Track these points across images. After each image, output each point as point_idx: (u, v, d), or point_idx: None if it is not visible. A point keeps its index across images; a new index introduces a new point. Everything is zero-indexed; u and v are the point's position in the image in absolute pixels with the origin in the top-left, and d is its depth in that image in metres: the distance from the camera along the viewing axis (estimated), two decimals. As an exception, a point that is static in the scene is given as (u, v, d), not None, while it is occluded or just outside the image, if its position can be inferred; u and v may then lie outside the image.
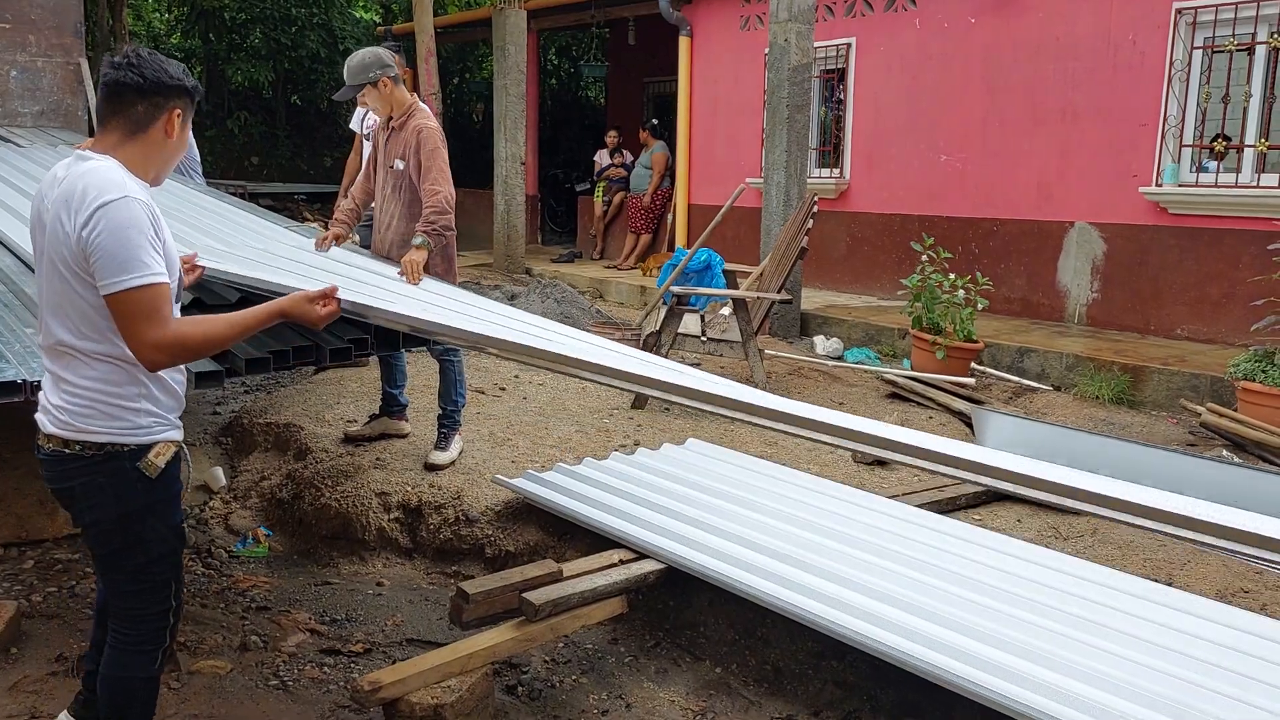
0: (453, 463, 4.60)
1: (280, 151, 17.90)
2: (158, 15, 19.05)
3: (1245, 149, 6.87)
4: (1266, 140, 6.78)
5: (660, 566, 3.54)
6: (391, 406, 4.98)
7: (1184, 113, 7.13)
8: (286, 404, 5.43)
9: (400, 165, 4.39)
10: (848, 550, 3.58)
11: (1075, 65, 7.73)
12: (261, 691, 3.15)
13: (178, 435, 2.30)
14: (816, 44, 8.63)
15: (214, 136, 17.16)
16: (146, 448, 2.21)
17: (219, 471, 4.88)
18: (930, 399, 6.21)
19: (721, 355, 6.23)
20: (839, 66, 9.71)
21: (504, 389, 6.05)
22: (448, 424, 4.65)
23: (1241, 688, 2.76)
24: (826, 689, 3.21)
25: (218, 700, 3.05)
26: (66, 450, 2.19)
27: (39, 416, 2.26)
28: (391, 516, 4.29)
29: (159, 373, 2.22)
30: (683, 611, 3.60)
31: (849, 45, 9.58)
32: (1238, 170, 6.89)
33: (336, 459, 4.67)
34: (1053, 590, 3.34)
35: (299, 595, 3.91)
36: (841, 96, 9.85)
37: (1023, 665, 2.83)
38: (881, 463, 5.14)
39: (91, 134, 8.59)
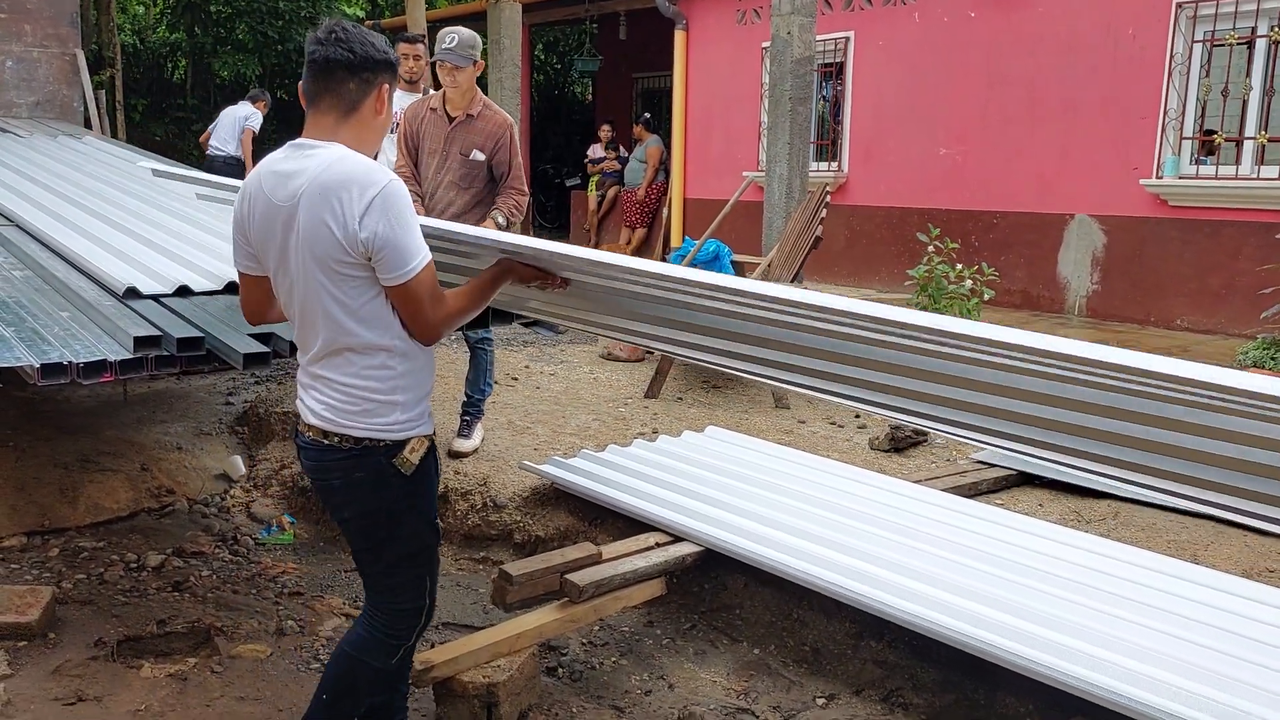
0: (476, 450, 4.60)
1: (268, 146, 17.71)
2: (143, 8, 18.88)
3: (1245, 141, 6.97)
4: (1266, 133, 6.88)
5: (697, 549, 3.56)
6: None
7: (1184, 106, 7.22)
8: (301, 393, 5.41)
9: (480, 157, 4.35)
10: (878, 532, 3.61)
11: (1076, 59, 7.81)
12: (304, 674, 3.15)
13: (429, 430, 2.29)
14: (818, 36, 8.67)
15: (200, 130, 16.98)
16: (402, 444, 2.20)
17: (238, 460, 4.86)
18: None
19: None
20: (837, 60, 9.77)
21: (516, 379, 6.05)
22: (473, 411, 4.65)
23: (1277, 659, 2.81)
24: (867, 668, 3.24)
25: (262, 683, 3.05)
26: (325, 441, 2.18)
27: (300, 408, 2.26)
28: (417, 503, 4.29)
29: (414, 368, 2.22)
30: (719, 594, 3.62)
31: (847, 39, 9.63)
32: (1238, 163, 6.99)
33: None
34: (1083, 569, 3.38)
35: (329, 581, 3.90)
36: (837, 90, 9.90)
37: (1063, 639, 2.87)
38: (899, 449, 5.19)
39: (87, 125, 8.56)
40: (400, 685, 2.55)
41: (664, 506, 3.81)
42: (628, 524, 3.83)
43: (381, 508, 2.24)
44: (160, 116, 17.01)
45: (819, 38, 9.17)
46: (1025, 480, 4.65)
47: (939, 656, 3.11)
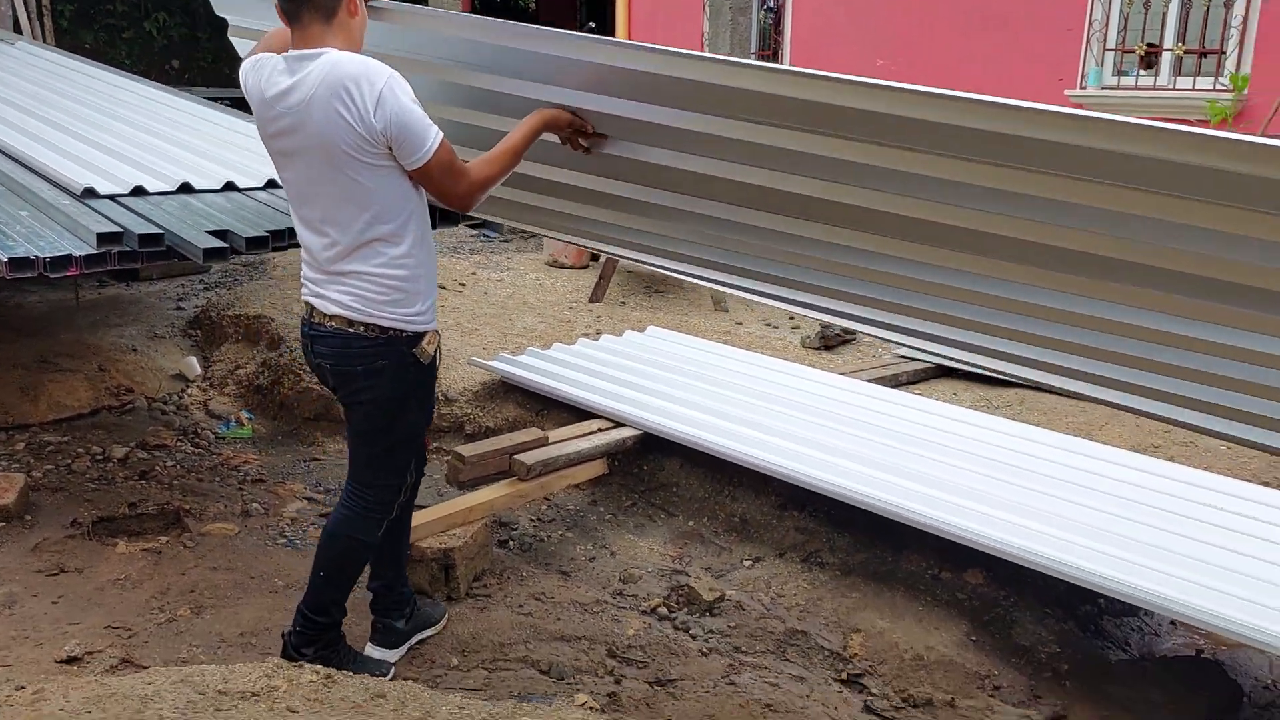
0: (426, 349, 4.80)
1: (202, 55, 17.27)
2: (61, -92, 18.03)
3: (1164, 52, 7.25)
4: (1183, 45, 7.16)
5: (637, 433, 3.84)
6: None
7: (1108, 18, 7.46)
8: (252, 298, 5.53)
9: None
10: (805, 418, 3.91)
11: (1007, -30, 7.97)
12: (271, 548, 3.38)
13: (437, 326, 2.47)
14: (758, -53, 8.72)
15: (131, 39, 16.48)
16: (420, 335, 2.39)
17: (193, 361, 5.00)
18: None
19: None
20: (778, -29, 9.81)
21: (463, 285, 6.22)
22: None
23: (1158, 518, 3.17)
24: (790, 534, 3.55)
25: (232, 555, 3.27)
26: (350, 330, 2.34)
27: (313, 300, 2.40)
28: (371, 398, 4.49)
29: (429, 259, 2.40)
30: (656, 474, 3.90)
31: (789, -51, 9.66)
32: (1156, 73, 7.28)
33: (311, 347, 4.84)
34: (989, 445, 3.73)
35: (290, 470, 4.11)
36: (779, 1, 9.97)
37: (964, 502, 3.21)
38: (829, 347, 5.49)
39: (17, 29, 8.35)
40: (401, 562, 2.82)
41: (606, 396, 4.07)
42: (572, 413, 4.08)
43: (396, 395, 2.42)
44: (90, 23, 16.43)
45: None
46: (943, 372, 4.99)
47: (854, 522, 3.44)
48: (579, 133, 2.50)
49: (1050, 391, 4.67)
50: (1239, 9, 6.88)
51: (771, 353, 5.20)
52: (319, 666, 2.39)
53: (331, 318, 2.38)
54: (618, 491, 3.90)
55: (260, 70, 2.33)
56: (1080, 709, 2.73)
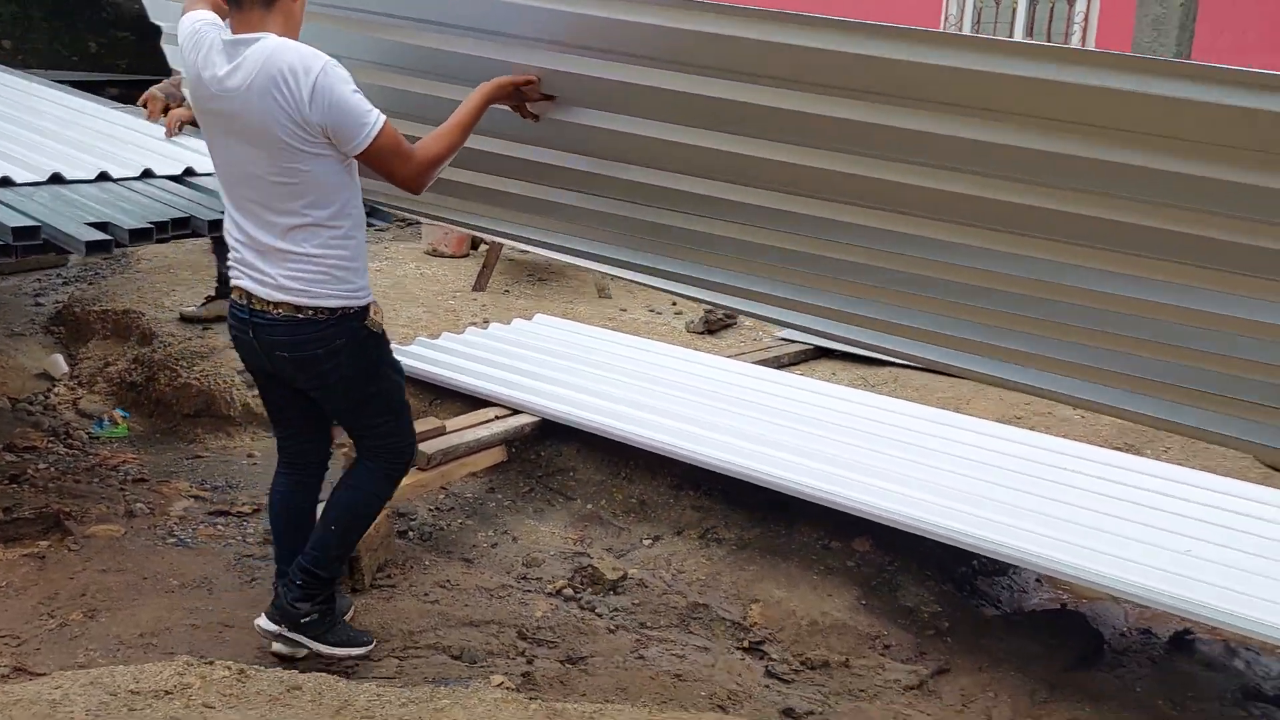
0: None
1: (36, 35, 16.24)
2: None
3: (1013, 49, 7.71)
4: (1031, 38, 7.63)
5: (534, 419, 3.89)
6: (228, 288, 5.00)
7: (962, 13, 7.87)
8: (118, 292, 5.31)
9: None
10: (695, 399, 4.04)
11: (868, -33, 8.30)
12: (162, 548, 3.29)
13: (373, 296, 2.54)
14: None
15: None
16: (366, 308, 2.47)
17: (59, 359, 4.76)
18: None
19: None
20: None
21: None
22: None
23: (1022, 482, 3.42)
24: (687, 513, 3.67)
25: (122, 557, 3.17)
26: (300, 315, 2.38)
27: (250, 286, 2.41)
28: (255, 393, 4.38)
29: (363, 237, 2.46)
30: (554, 459, 3.96)
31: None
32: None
33: (186, 341, 4.68)
34: (869, 421, 3.93)
35: (172, 468, 3.99)
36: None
37: (851, 475, 3.38)
38: (712, 331, 5.65)
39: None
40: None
41: (501, 385, 4.09)
42: (465, 403, 4.09)
43: (363, 365, 2.51)
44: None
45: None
46: (822, 353, 5.20)
47: (748, 499, 3.58)
48: (527, 98, 2.51)
49: (921, 369, 4.95)
50: (1080, 6, 7.37)
51: (657, 338, 5.31)
52: (230, 662, 2.37)
53: (277, 305, 2.38)
54: (516, 478, 3.93)
55: (199, 47, 2.32)
56: (961, 661, 2.93)
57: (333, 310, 2.40)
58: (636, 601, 3.16)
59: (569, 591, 3.20)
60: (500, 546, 3.49)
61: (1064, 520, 3.14)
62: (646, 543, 3.54)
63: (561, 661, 2.79)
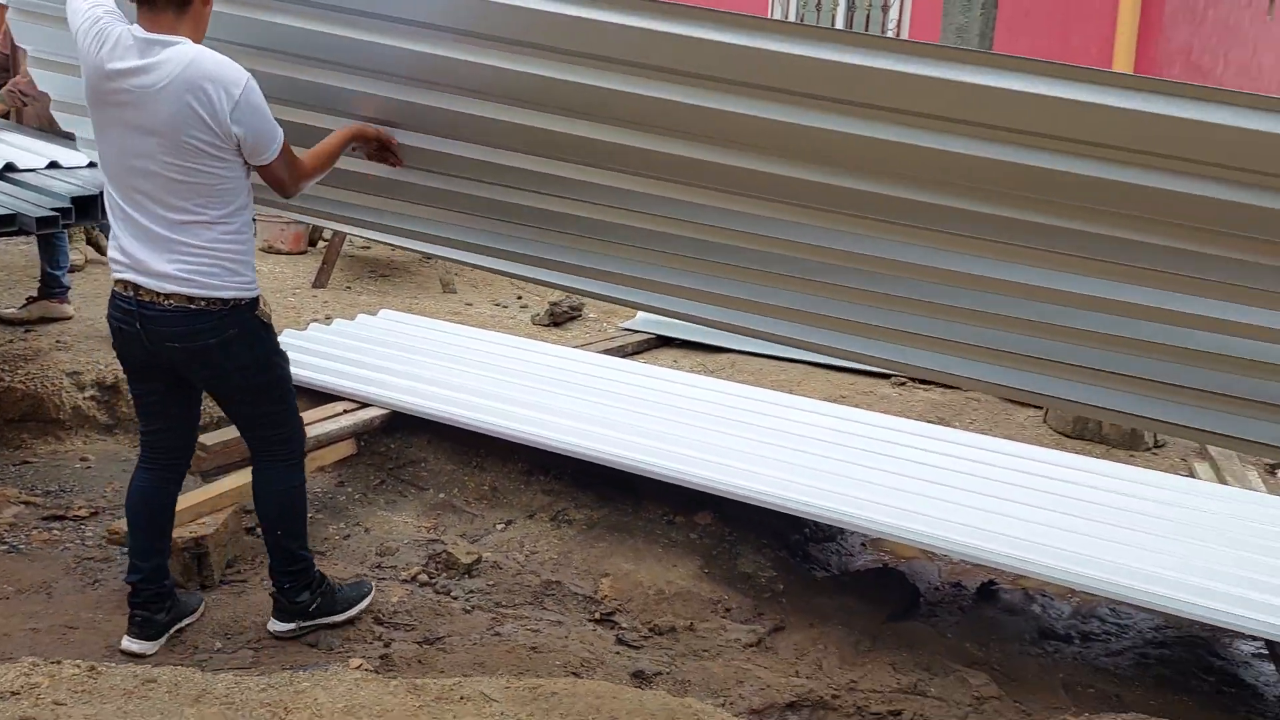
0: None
1: None
2: None
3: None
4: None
5: (384, 412, 3.93)
6: (53, 288, 4.82)
7: (786, 15, 8.27)
8: (-74, 295, 5.00)
9: None
10: (544, 388, 4.16)
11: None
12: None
13: None
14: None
15: None
16: (256, 300, 2.57)
17: None
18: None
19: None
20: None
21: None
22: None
23: (847, 454, 3.71)
24: (538, 497, 3.80)
25: (-52, 568, 3.05)
26: (192, 306, 2.45)
27: (138, 279, 2.44)
28: (87, 395, 4.24)
29: (251, 232, 2.57)
30: (405, 451, 4.01)
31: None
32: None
33: (8, 344, 4.47)
34: (709, 403, 4.15)
35: (-2, 475, 3.82)
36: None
37: (694, 453, 3.58)
38: (557, 323, 5.79)
39: None
40: (165, 553, 2.80)
41: (348, 379, 4.11)
42: (311, 398, 4.07)
43: (255, 357, 2.60)
44: None
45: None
46: (664, 342, 5.43)
47: (596, 480, 3.74)
48: (384, 148, 2.82)
49: (756, 355, 5.25)
50: (894, 14, 7.88)
51: (503, 331, 5.40)
52: (80, 660, 2.35)
53: (168, 296, 2.44)
54: (366, 471, 3.96)
55: (105, 38, 2.35)
56: (795, 620, 3.17)
57: (225, 301, 2.48)
58: (491, 583, 3.26)
59: (424, 577, 3.27)
60: (353, 538, 3.52)
61: (884, 486, 3.43)
62: (500, 527, 3.64)
63: (419, 643, 2.87)
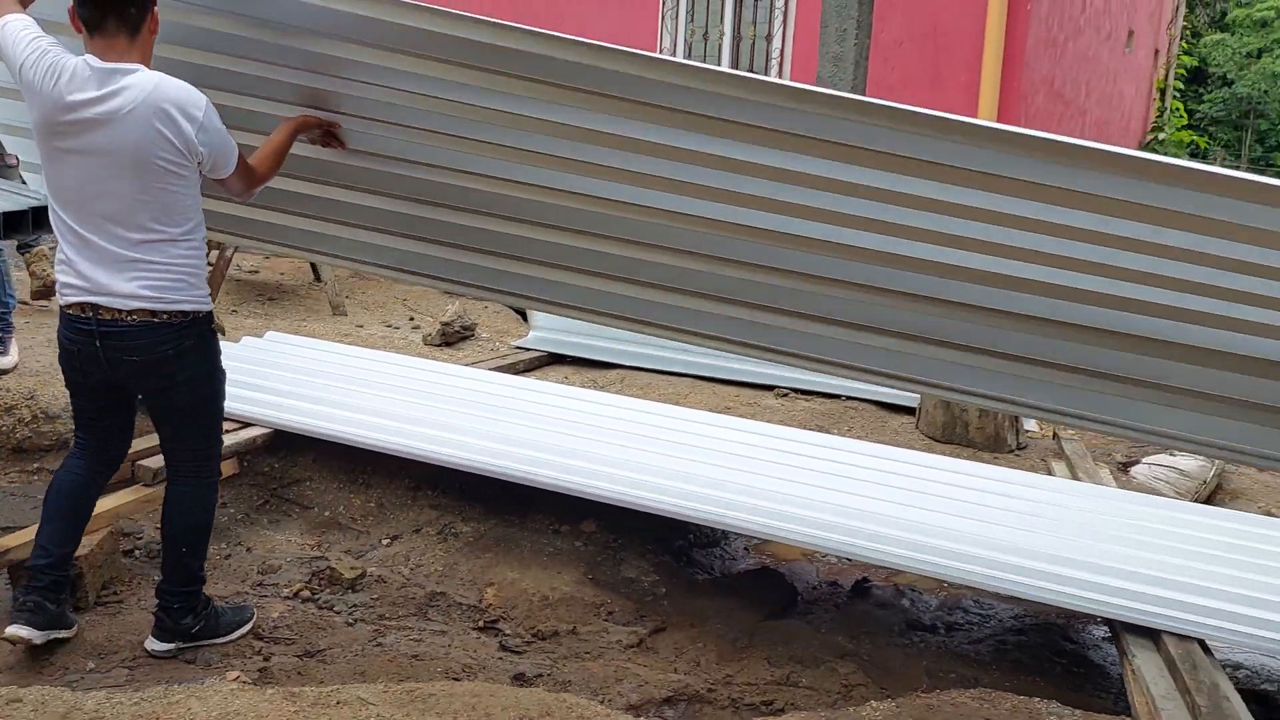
0: (15, 366, 4.47)
1: None
2: None
3: (724, 35, 8.40)
4: (736, 69, 8.35)
5: (267, 431, 3.91)
6: None
7: (675, 45, 8.49)
8: None
9: None
10: (436, 404, 4.19)
11: (589, -2, 8.79)
12: None
13: None
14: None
15: None
16: (210, 313, 2.71)
17: None
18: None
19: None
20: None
21: (54, 295, 5.76)
22: (5, 326, 4.48)
23: (732, 460, 3.82)
24: (425, 512, 3.82)
25: None
26: (155, 319, 2.57)
27: (98, 299, 2.54)
28: (-40, 420, 4.11)
29: (202, 251, 2.69)
30: (289, 470, 3.99)
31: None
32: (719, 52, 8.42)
33: None
34: (597, 415, 4.24)
35: None
36: None
37: (580, 463, 3.66)
38: (449, 343, 5.81)
39: None
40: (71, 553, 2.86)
41: (232, 400, 4.04)
42: (194, 419, 4.03)
43: (209, 366, 2.74)
44: None
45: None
46: (555, 359, 5.51)
47: (484, 493, 3.79)
48: (329, 133, 2.97)
49: (644, 370, 5.36)
50: (776, 44, 8.16)
51: (394, 351, 5.41)
52: (-61, 683, 2.30)
53: (131, 313, 2.55)
54: (248, 491, 3.92)
55: (59, 70, 2.45)
56: (676, 621, 3.27)
57: (185, 314, 2.61)
58: (375, 597, 3.27)
59: (306, 594, 3.26)
60: (234, 557, 3.49)
61: (764, 490, 3.55)
62: (385, 542, 3.65)
63: (299, 656, 2.86)
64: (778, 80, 2.57)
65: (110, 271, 2.54)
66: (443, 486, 3.88)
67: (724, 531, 4.01)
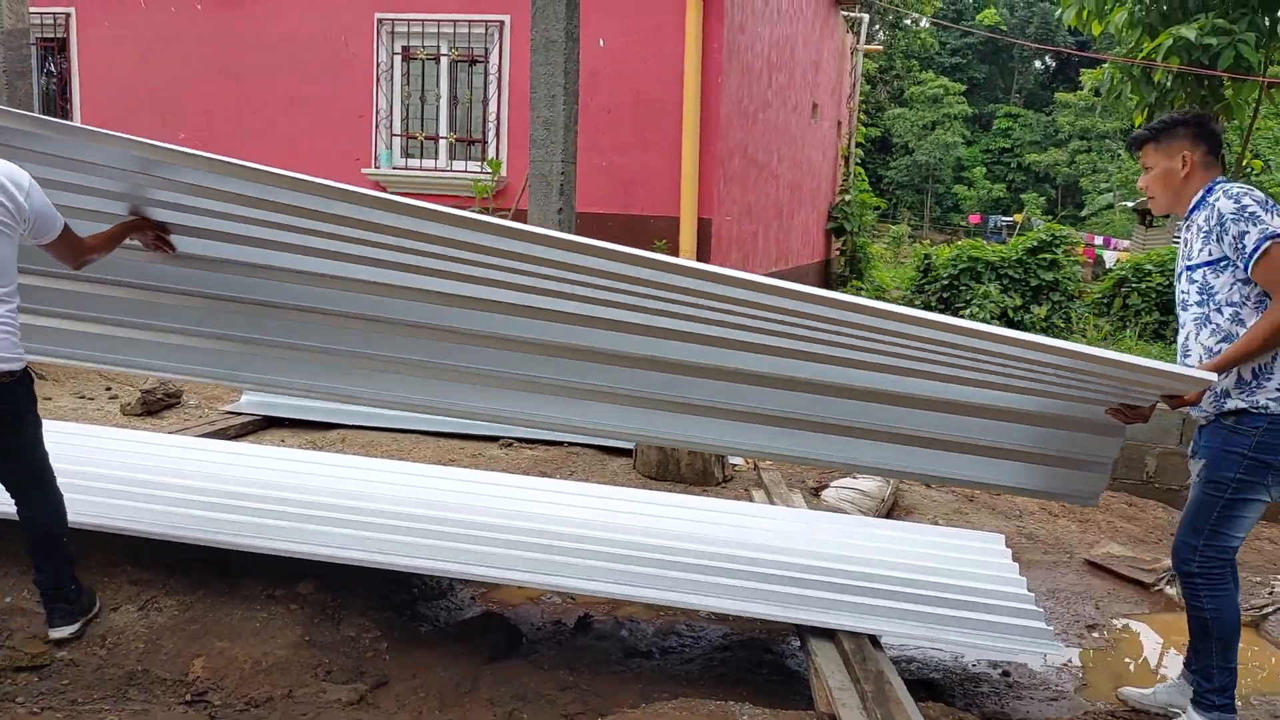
0: None
1: None
2: None
3: (440, 140, 8.53)
4: (455, 133, 8.50)
5: (-70, 514, 3.53)
6: None
7: (392, 107, 8.55)
8: None
9: None
10: (130, 474, 3.97)
11: (302, 59, 8.68)
12: None
13: None
14: (33, 10, 8.24)
15: None
16: (27, 367, 3.08)
17: None
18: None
19: None
20: (59, 36, 9.33)
21: None
22: None
23: (454, 513, 3.88)
24: (124, 589, 3.58)
25: None
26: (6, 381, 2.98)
27: None
28: None
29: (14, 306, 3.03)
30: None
31: (69, 15, 9.25)
32: (436, 156, 8.53)
33: None
34: (310, 475, 4.18)
35: None
36: (63, 68, 9.47)
37: (292, 524, 3.60)
38: (152, 412, 5.49)
39: None
40: None
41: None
42: None
43: (31, 414, 3.12)
44: None
45: (35, 10, 8.71)
46: (271, 423, 5.33)
47: (191, 563, 3.61)
48: (159, 238, 3.36)
49: (366, 428, 5.31)
50: (492, 108, 8.41)
51: (89, 422, 5.04)
52: None
53: None
54: (-91, 585, 3.52)
55: None
56: (399, 673, 3.26)
57: (14, 373, 2.99)
58: (66, 682, 3.04)
59: (-19, 687, 2.98)
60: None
61: (488, 536, 3.65)
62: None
63: (-27, 755, 2.62)
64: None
65: None
66: (145, 560, 3.66)
67: (450, 582, 4.05)
